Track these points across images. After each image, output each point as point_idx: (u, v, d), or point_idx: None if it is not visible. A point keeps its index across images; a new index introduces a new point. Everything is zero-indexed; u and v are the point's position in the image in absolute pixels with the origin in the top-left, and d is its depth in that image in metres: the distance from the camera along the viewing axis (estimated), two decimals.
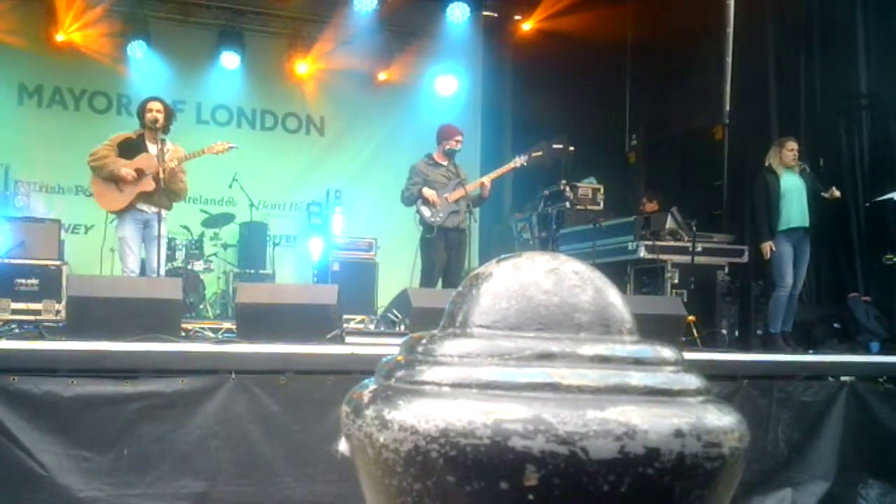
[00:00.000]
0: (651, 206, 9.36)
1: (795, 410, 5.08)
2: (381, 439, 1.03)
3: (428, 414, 1.01)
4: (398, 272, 8.85)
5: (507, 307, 1.14)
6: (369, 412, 1.07)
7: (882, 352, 7.12)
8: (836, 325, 8.12)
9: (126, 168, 6.56)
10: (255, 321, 5.05)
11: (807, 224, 7.15)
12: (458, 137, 7.71)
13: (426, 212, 7.53)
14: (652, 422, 1.00)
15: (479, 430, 0.98)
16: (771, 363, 5.53)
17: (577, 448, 0.96)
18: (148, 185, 6.53)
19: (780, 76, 9.59)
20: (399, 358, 1.17)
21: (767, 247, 7.10)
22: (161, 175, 6.46)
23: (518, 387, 1.02)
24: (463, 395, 1.03)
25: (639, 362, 1.09)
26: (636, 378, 1.06)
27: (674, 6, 9.96)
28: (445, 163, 7.71)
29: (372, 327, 7.50)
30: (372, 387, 1.14)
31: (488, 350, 1.08)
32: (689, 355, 4.87)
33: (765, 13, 9.60)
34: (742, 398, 4.92)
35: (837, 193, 7.20)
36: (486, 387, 1.03)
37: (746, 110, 9.57)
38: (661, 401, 1.04)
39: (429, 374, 1.08)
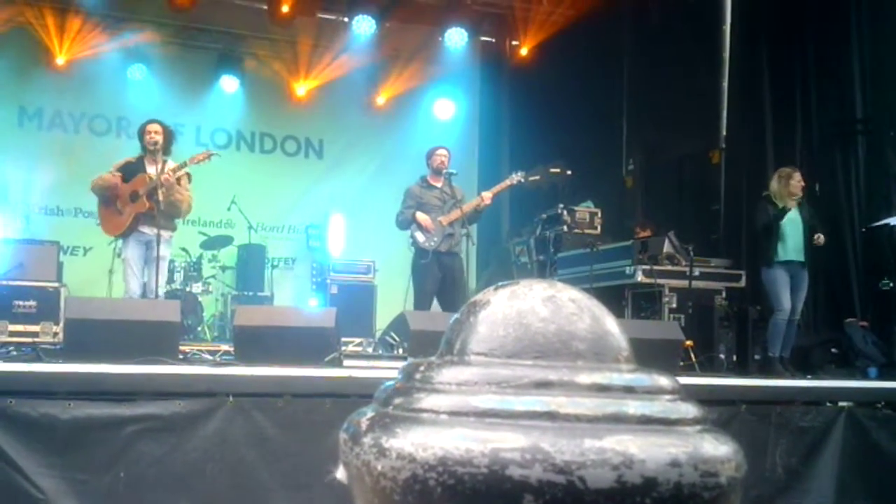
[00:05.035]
0: (644, 234, 9.35)
1: (793, 436, 5.07)
2: (379, 467, 1.03)
3: (426, 442, 1.01)
4: (397, 295, 8.83)
5: (504, 335, 1.14)
6: (367, 440, 1.07)
7: (880, 377, 7.10)
8: (833, 350, 8.11)
9: (111, 171, 6.64)
10: (253, 344, 5.05)
11: (802, 258, 7.16)
12: (441, 152, 7.68)
13: (420, 237, 7.48)
14: (649, 451, 1.00)
15: (476, 459, 0.98)
16: (769, 388, 5.52)
17: (575, 477, 0.96)
18: (142, 205, 6.53)
19: (775, 101, 9.64)
20: (397, 385, 1.17)
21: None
22: (158, 191, 6.44)
23: (515, 415, 1.02)
24: (460, 423, 1.03)
25: (636, 391, 1.09)
26: (633, 407, 1.06)
27: (670, 32, 10.03)
28: (440, 184, 7.65)
29: (370, 350, 7.49)
30: (370, 414, 1.14)
31: (486, 378, 1.08)
32: (687, 380, 4.87)
33: (760, 39, 9.67)
34: (740, 423, 4.92)
35: (822, 240, 7.19)
36: (483, 415, 1.03)
37: (743, 135, 9.60)
38: (658, 430, 1.04)
39: (426, 401, 1.08)
